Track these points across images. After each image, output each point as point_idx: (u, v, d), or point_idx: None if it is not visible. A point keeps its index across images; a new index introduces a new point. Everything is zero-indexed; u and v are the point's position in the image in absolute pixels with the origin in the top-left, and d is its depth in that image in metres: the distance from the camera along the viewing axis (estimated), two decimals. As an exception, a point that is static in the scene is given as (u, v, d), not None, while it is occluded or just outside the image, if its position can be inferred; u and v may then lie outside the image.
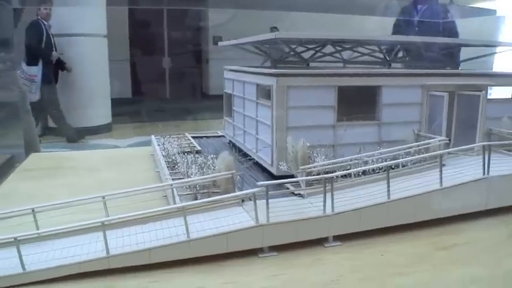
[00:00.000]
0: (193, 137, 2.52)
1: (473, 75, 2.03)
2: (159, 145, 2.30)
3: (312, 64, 2.15)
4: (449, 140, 2.03)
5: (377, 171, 1.66)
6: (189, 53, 7.49)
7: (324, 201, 1.40)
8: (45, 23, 5.36)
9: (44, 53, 5.28)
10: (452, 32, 4.60)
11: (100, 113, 6.35)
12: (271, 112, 1.76)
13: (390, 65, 2.05)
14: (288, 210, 1.44)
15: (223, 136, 2.58)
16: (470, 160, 1.83)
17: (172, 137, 2.47)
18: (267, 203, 1.34)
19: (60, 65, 5.40)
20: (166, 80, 7.97)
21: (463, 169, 1.71)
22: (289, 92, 1.73)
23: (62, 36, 5.48)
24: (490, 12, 5.96)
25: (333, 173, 1.64)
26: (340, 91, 1.78)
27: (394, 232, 1.50)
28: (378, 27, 5.45)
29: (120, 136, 6.55)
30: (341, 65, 2.15)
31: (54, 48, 5.40)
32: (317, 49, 2.12)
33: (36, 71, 5.27)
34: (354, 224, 1.44)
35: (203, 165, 1.61)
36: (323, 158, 1.65)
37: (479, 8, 6.19)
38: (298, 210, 1.45)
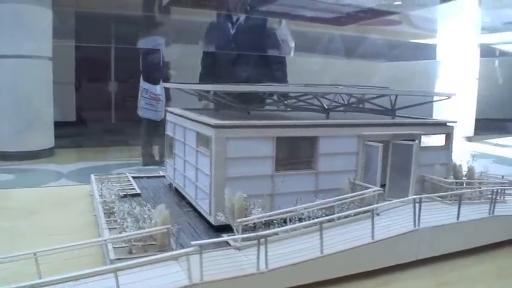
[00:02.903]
0: (134, 177, 2.49)
1: (407, 125, 2.12)
2: (98, 186, 2.26)
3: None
4: (384, 187, 2.10)
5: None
6: (136, 78, 7.43)
7: (258, 258, 1.41)
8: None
9: (164, 73, 5.33)
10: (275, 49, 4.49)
11: (42, 136, 6.16)
12: (210, 162, 1.77)
13: (329, 113, 2.11)
14: (223, 265, 1.44)
15: (164, 176, 2.57)
16: (404, 209, 1.89)
17: (112, 177, 2.44)
18: (201, 262, 1.34)
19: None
20: (112, 104, 7.85)
21: (396, 219, 1.77)
22: (228, 143, 1.74)
23: (5, 58, 5.35)
24: (431, 47, 6.25)
25: (270, 224, 1.69)
26: (278, 142, 1.82)
27: (326, 286, 1.53)
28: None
29: (63, 161, 6.38)
30: (280, 112, 2.19)
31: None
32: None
33: (160, 90, 5.37)
34: (288, 280, 1.46)
35: (139, 217, 1.60)
36: (259, 210, 1.67)
37: (419, 43, 6.49)
38: (234, 266, 1.45)
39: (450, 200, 2.05)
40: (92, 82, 7.51)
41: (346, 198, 1.80)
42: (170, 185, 2.41)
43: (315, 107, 2.16)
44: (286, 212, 1.68)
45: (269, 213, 1.65)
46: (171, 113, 2.29)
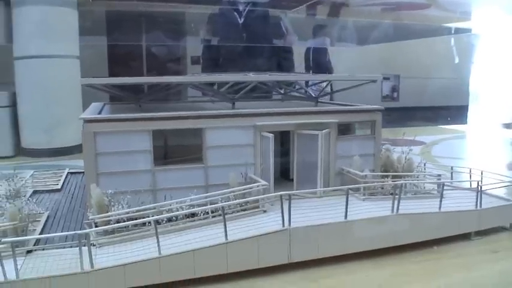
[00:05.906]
0: (72, 173, 2.50)
1: (317, 113, 1.94)
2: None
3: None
4: (293, 181, 1.95)
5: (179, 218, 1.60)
6: (168, 72, 7.53)
7: (81, 257, 1.34)
8: None
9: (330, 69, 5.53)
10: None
11: (72, 133, 6.35)
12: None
13: (234, 103, 1.98)
14: (59, 264, 1.39)
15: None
16: (304, 204, 1.75)
17: (48, 173, 2.47)
18: (15, 261, 1.30)
19: None
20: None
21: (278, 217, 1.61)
22: (98, 137, 1.68)
23: (34, 58, 5.58)
24: (465, 31, 5.78)
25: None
26: (156, 135, 1.72)
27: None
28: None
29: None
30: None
31: None
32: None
33: None
34: (119, 281, 1.38)
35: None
36: (121, 206, 1.59)
37: (454, 27, 6.01)
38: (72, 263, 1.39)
39: (364, 195, 1.86)
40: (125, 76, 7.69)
41: (223, 193, 1.67)
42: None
43: (226, 97, 2.04)
44: (146, 209, 1.59)
45: (125, 210, 1.57)
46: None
